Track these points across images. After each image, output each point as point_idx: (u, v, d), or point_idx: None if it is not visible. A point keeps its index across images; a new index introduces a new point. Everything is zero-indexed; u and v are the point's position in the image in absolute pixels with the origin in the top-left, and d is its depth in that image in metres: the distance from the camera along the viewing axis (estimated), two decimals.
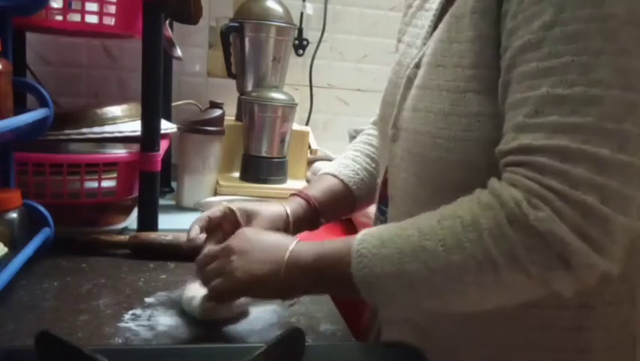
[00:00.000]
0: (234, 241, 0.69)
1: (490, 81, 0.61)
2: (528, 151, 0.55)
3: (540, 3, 0.55)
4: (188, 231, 0.78)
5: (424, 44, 0.72)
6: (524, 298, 0.59)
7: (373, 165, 0.93)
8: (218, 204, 1.13)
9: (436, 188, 0.66)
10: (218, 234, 0.78)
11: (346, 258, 0.61)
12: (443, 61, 0.65)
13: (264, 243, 0.68)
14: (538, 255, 0.53)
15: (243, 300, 0.74)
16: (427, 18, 0.74)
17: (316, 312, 0.79)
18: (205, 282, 0.70)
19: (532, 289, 0.56)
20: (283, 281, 0.65)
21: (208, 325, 0.73)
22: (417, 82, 0.69)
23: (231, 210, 0.80)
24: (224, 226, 0.79)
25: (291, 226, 0.83)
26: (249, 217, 0.80)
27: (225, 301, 0.71)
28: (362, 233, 0.62)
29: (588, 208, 0.51)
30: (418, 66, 0.71)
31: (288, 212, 0.83)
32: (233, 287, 0.67)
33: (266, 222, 0.80)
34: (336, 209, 0.91)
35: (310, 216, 0.86)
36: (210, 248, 0.73)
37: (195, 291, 0.75)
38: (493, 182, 0.57)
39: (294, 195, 0.89)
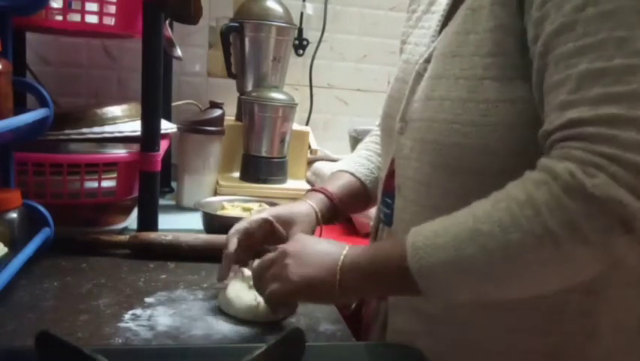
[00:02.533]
0: (289, 246, 0.70)
1: (508, 69, 0.63)
2: (575, 124, 0.55)
3: None
4: (224, 251, 0.78)
5: (433, 41, 0.74)
6: (584, 275, 0.58)
7: None
8: (218, 204, 1.16)
9: (451, 173, 0.67)
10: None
11: (401, 253, 0.61)
12: (459, 51, 0.67)
13: (318, 248, 0.69)
14: (599, 221, 0.52)
15: None
16: (434, 19, 0.77)
17: (316, 312, 0.79)
18: (262, 288, 0.70)
19: (593, 261, 0.55)
20: (339, 284, 0.65)
21: (207, 325, 0.73)
22: (428, 74, 0.72)
23: (267, 221, 0.81)
24: (256, 235, 0.81)
25: (321, 225, 0.86)
26: (287, 224, 0.82)
27: (281, 305, 0.72)
28: (414, 229, 0.62)
29: None
30: (428, 60, 0.73)
31: (317, 211, 0.86)
32: (289, 291, 0.67)
33: (305, 226, 0.82)
34: (352, 206, 0.94)
35: (330, 213, 0.89)
36: (265, 257, 0.73)
37: (238, 292, 0.77)
38: (542, 160, 0.57)
39: (314, 190, 0.91)
